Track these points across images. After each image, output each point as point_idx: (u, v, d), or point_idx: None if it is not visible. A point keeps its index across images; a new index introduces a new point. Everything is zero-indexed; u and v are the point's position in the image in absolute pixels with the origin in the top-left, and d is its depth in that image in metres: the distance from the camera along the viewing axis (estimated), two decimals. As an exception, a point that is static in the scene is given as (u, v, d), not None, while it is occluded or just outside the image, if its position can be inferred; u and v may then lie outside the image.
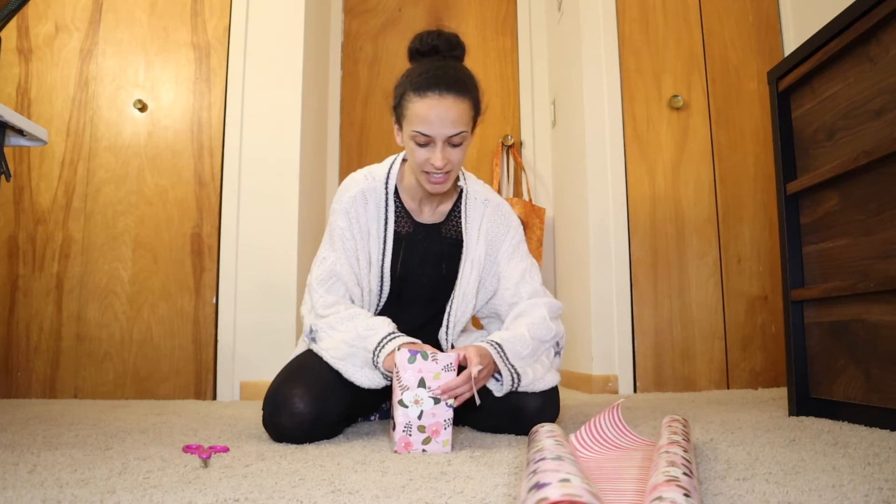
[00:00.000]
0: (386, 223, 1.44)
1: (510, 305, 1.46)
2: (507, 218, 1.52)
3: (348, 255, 1.42)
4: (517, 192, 2.96)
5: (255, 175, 2.37)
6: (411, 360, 1.15)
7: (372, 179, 1.46)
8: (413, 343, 1.27)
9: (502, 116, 3.03)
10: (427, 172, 1.35)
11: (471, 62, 1.44)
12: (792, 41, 2.46)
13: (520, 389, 1.32)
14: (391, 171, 1.47)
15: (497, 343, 1.30)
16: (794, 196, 1.59)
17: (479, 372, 1.21)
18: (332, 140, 2.99)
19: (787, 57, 1.58)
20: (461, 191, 1.52)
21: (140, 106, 2.42)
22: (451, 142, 1.31)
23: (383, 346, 1.27)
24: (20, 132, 1.48)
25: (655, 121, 2.45)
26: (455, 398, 1.19)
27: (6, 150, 2.11)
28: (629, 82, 2.46)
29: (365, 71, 3.06)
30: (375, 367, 1.29)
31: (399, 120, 1.36)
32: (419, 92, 1.29)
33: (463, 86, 1.31)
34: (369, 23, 3.09)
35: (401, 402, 1.14)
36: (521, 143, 3.02)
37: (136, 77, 2.45)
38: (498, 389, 1.32)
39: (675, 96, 2.43)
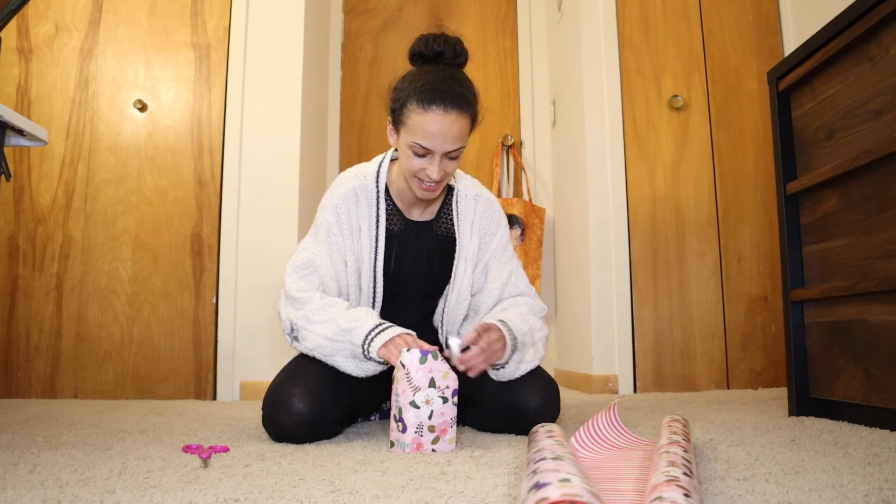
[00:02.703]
0: (378, 221, 1.44)
1: (494, 303, 1.49)
2: (498, 214, 1.54)
3: (331, 250, 1.42)
4: (517, 192, 2.96)
5: (255, 175, 2.37)
6: (422, 361, 1.15)
7: (363, 178, 1.46)
8: (408, 334, 1.28)
9: (502, 116, 3.03)
10: (420, 179, 1.36)
11: (471, 62, 1.44)
12: (792, 41, 2.46)
13: (507, 368, 1.34)
14: (381, 170, 1.47)
15: (502, 320, 1.34)
16: (794, 196, 1.59)
17: (493, 343, 1.27)
18: (332, 140, 2.99)
19: (787, 57, 1.58)
20: (450, 189, 1.52)
21: (140, 106, 2.42)
22: (450, 156, 1.33)
23: (373, 339, 1.27)
24: (20, 132, 1.48)
25: (655, 121, 2.45)
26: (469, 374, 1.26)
27: (6, 150, 2.11)
28: (629, 82, 2.46)
29: (365, 71, 3.06)
30: (367, 358, 1.28)
31: (397, 124, 1.36)
32: (423, 104, 1.28)
33: (467, 102, 1.31)
34: (369, 23, 3.09)
35: (412, 404, 1.14)
36: (521, 143, 3.02)
37: (136, 77, 2.45)
38: (496, 374, 1.35)
39: (675, 96, 2.43)
